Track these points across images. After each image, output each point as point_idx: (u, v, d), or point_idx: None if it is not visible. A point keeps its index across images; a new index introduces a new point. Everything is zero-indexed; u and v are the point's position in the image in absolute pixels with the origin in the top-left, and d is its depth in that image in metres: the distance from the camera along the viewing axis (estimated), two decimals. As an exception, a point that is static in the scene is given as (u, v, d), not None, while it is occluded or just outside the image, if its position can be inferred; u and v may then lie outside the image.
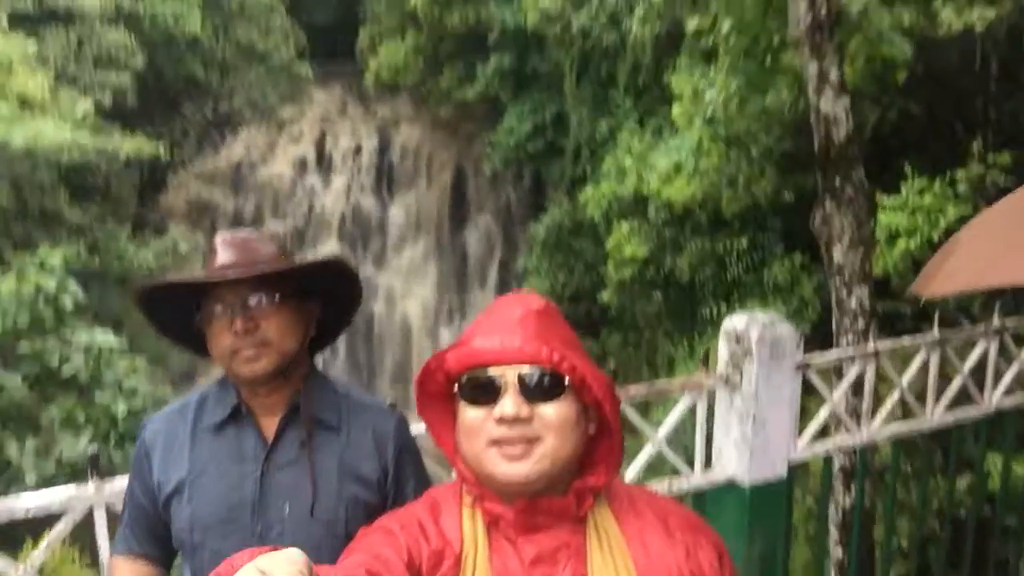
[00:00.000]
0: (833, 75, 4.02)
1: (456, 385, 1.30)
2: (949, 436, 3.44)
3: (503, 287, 17.77)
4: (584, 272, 13.73)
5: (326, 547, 1.64)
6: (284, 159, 19.14)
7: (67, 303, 6.93)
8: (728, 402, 2.95)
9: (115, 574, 1.78)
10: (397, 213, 18.54)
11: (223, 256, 1.69)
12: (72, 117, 11.16)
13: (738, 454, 2.92)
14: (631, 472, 2.80)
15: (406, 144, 18.94)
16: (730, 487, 2.95)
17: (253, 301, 1.64)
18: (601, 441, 1.33)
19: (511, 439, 1.23)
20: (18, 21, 12.53)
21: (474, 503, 1.30)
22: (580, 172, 14.08)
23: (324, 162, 19.09)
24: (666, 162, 9.96)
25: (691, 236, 10.29)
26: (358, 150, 19.11)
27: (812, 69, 4.14)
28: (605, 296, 12.39)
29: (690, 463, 2.96)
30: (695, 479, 2.93)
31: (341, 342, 17.77)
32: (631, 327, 12.85)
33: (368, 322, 17.77)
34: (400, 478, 1.78)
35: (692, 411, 2.90)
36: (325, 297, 1.81)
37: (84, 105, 12.02)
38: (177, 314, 1.71)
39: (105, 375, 6.40)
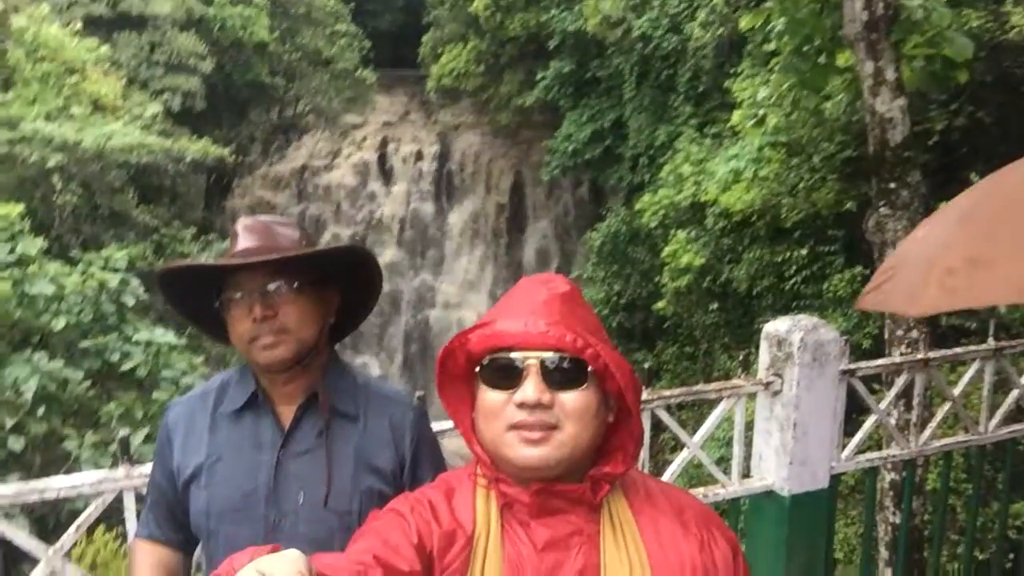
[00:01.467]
0: (889, 74, 3.89)
1: (477, 367, 1.28)
2: (1005, 452, 3.29)
3: (559, 295, 17.75)
4: (640, 281, 13.59)
5: (339, 538, 1.61)
6: (347, 165, 19.46)
7: (129, 301, 7.14)
8: (768, 408, 2.87)
9: (136, 557, 1.80)
10: (455, 220, 18.66)
11: (244, 241, 1.68)
12: (142, 120, 11.54)
13: (778, 462, 2.83)
14: (666, 476, 2.74)
15: (466, 151, 19.07)
16: (769, 497, 2.86)
17: (272, 287, 1.63)
18: (620, 429, 1.30)
19: (530, 424, 1.22)
20: (92, 25, 13.01)
21: (489, 485, 1.30)
22: (638, 179, 13.97)
23: (385, 168, 19.33)
24: (725, 169, 9.80)
25: (749, 246, 10.09)
26: (419, 156, 19.32)
27: (867, 68, 4.01)
28: (661, 306, 12.23)
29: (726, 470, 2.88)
30: (733, 487, 2.85)
31: (397, 347, 17.97)
32: (687, 338, 12.66)
33: (424, 328, 17.90)
34: (417, 470, 1.74)
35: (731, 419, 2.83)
36: (346, 286, 1.81)
37: (154, 108, 12.41)
38: (199, 298, 1.72)
39: (163, 372, 6.57)
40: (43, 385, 5.85)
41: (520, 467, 1.23)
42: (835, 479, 2.92)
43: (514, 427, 1.23)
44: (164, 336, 6.68)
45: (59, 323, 6.18)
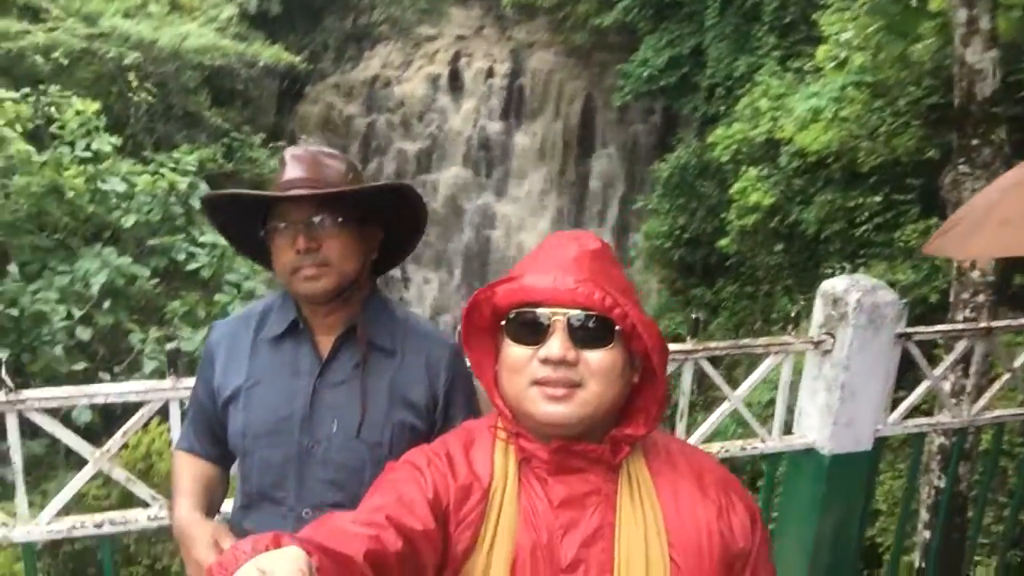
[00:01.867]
0: (983, 23, 3.62)
1: (503, 320, 1.27)
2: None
3: (622, 225, 17.54)
4: (705, 216, 13.31)
5: (370, 468, 1.66)
6: (418, 77, 19.29)
7: (196, 204, 7.29)
8: (817, 367, 2.81)
9: (177, 467, 1.87)
10: (522, 140, 18.45)
11: (292, 171, 1.68)
12: (217, 22, 11.56)
13: (821, 422, 2.79)
14: (704, 427, 2.73)
15: (538, 70, 18.70)
16: (808, 454, 2.83)
17: (316, 220, 1.64)
18: (644, 391, 1.29)
19: (554, 381, 1.20)
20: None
21: (508, 439, 1.29)
22: (713, 111, 13.54)
23: (456, 83, 19.12)
24: (804, 107, 9.42)
25: (822, 188, 9.75)
26: (490, 73, 19.03)
27: (960, 16, 3.73)
28: (725, 243, 12.00)
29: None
30: (772, 443, 2.83)
31: (457, 264, 18.11)
32: (749, 278, 12.44)
33: (485, 248, 17.95)
34: (449, 407, 1.77)
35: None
36: (390, 222, 1.80)
37: (229, 10, 12.41)
38: (246, 224, 1.73)
39: (227, 275, 6.74)
40: (111, 279, 6.06)
41: (542, 423, 1.22)
42: (880, 441, 2.87)
43: (538, 383, 1.21)
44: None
45: (129, 220, 6.35)
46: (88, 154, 6.92)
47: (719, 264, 13.11)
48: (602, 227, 17.83)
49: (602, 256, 1.29)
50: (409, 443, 1.64)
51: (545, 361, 1.21)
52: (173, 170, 7.51)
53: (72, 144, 6.94)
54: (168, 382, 2.15)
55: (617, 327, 1.23)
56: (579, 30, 17.40)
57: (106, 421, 5.16)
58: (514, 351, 1.25)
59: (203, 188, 7.49)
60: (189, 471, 1.84)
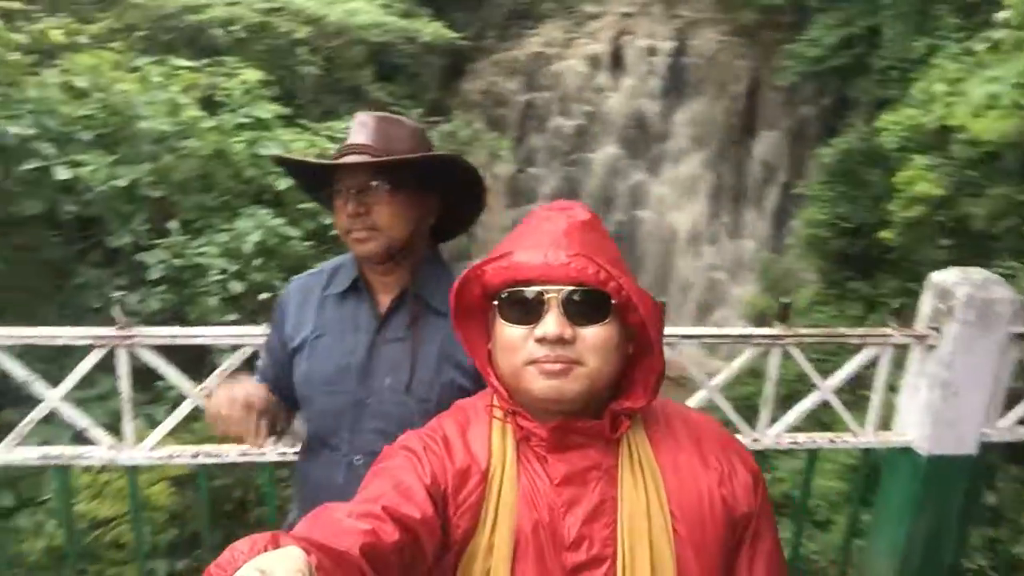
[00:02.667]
0: None
1: (495, 300, 1.25)
2: None
3: (781, 212, 16.86)
4: (868, 206, 12.56)
5: (418, 422, 1.75)
6: (579, 55, 19.23)
7: (347, 170, 7.69)
8: (920, 363, 2.67)
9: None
10: (681, 121, 18.05)
11: (355, 136, 1.79)
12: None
13: (920, 420, 2.65)
14: (790, 416, 2.65)
15: (702, 49, 18.20)
16: (905, 453, 2.70)
17: (368, 186, 1.74)
18: (642, 363, 1.27)
19: (551, 360, 1.19)
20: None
21: (505, 418, 1.28)
22: (884, 95, 12.73)
23: (616, 61, 18.93)
24: (981, 92, 8.71)
25: (996, 181, 9.01)
26: (652, 51, 18.69)
27: None
28: (887, 235, 11.29)
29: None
30: (865, 438, 2.71)
31: (606, 243, 18.01)
32: (910, 273, 11.64)
33: (633, 228, 17.77)
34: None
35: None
36: (451, 190, 1.86)
37: (396, -11, 12.86)
38: (320, 184, 1.85)
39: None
40: (264, 239, 6.49)
41: (540, 400, 1.21)
42: (986, 447, 2.68)
43: (534, 362, 1.20)
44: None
45: (282, 184, 6.76)
46: (249, 121, 7.41)
47: (879, 257, 12.34)
48: (759, 212, 17.22)
49: (593, 227, 1.26)
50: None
51: (541, 340, 1.19)
52: (330, 139, 7.91)
53: (236, 111, 7.45)
54: (261, 328, 2.33)
55: (612, 300, 1.20)
56: (747, 7, 16.79)
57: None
58: (508, 331, 1.22)
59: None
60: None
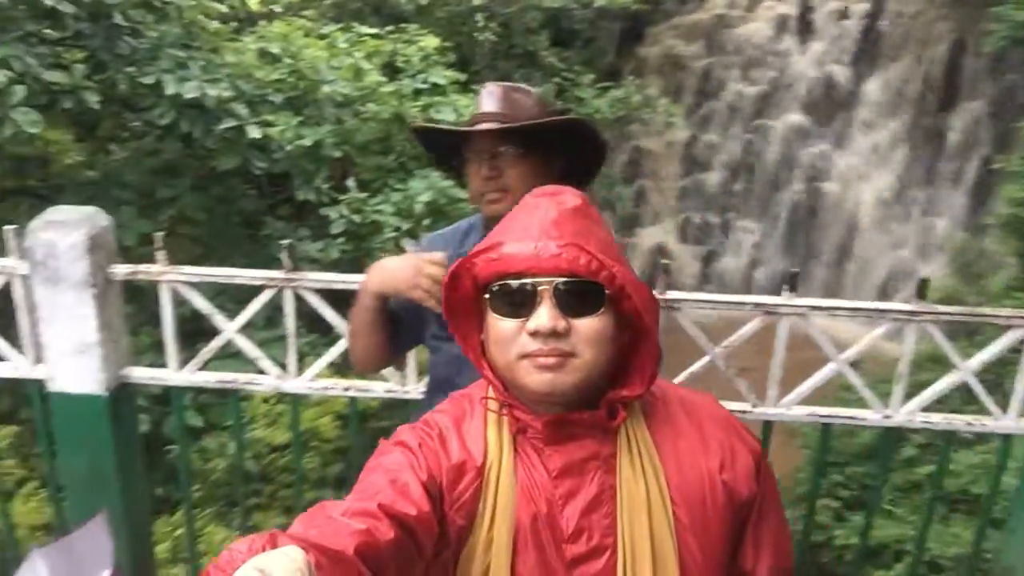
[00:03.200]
0: None
1: (486, 292, 1.21)
2: None
3: (979, 189, 15.56)
4: (1081, 184, 11.40)
5: None
6: (764, 18, 18.47)
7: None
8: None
9: None
10: (872, 89, 16.96)
11: (484, 105, 1.93)
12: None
13: (1068, 408, 2.49)
14: (926, 394, 2.58)
15: (900, 10, 16.97)
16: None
17: (500, 151, 1.87)
18: (638, 350, 1.24)
19: (546, 353, 1.15)
20: None
21: (500, 411, 1.25)
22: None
23: (805, 25, 18.03)
24: None
25: None
26: (844, 14, 17.64)
27: None
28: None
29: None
30: (1006, 421, 2.59)
31: (781, 215, 17.36)
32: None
33: (815, 200, 16.99)
34: None
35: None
36: (574, 151, 1.97)
37: (574, -47, 12.89)
38: (451, 152, 2.01)
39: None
40: (435, 199, 6.83)
41: (534, 394, 1.19)
42: None
43: (528, 356, 1.17)
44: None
45: (454, 147, 7.06)
46: (425, 86, 7.77)
47: (1090, 242, 11.21)
48: (956, 189, 15.98)
49: (584, 214, 1.22)
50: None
51: (534, 334, 1.15)
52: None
53: (414, 76, 7.82)
54: (280, 272, 2.59)
55: (606, 291, 1.17)
56: (954, -35, 15.48)
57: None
58: (500, 324, 1.19)
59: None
60: None
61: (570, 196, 1.23)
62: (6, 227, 2.65)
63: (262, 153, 6.36)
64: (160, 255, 2.61)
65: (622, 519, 1.20)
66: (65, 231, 2.55)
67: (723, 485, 1.27)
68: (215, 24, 6.68)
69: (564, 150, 1.97)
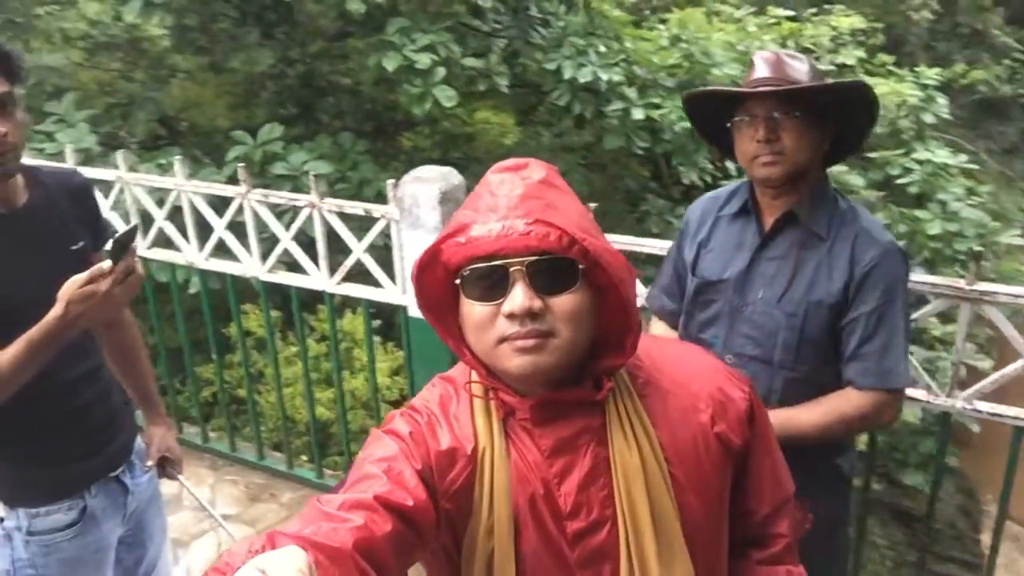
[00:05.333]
0: None
1: (457, 278, 1.17)
2: None
3: None
4: None
5: (783, 333, 1.97)
6: None
7: (928, 118, 7.16)
8: None
9: (652, 330, 2.37)
10: None
11: (759, 71, 1.96)
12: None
13: None
14: (988, 380, 2.37)
15: None
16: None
17: (776, 114, 1.89)
18: (617, 320, 1.19)
19: (524, 335, 1.12)
20: None
21: (486, 396, 1.24)
22: None
23: None
24: None
25: None
26: None
27: None
28: None
29: None
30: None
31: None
32: None
33: None
34: (861, 291, 1.92)
35: None
36: (845, 116, 1.95)
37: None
38: (717, 119, 2.04)
39: (935, 193, 6.53)
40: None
41: (517, 377, 1.16)
42: None
43: (507, 339, 1.13)
44: (941, 156, 6.60)
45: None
46: (832, 68, 7.39)
47: None
48: None
49: (550, 185, 1.16)
50: (823, 320, 1.94)
51: (511, 316, 1.11)
52: (924, 87, 7.44)
53: (818, 58, 7.49)
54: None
55: (580, 266, 1.12)
56: None
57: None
58: (475, 310, 1.15)
59: (941, 103, 7.28)
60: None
61: (534, 168, 1.18)
62: (388, 180, 3.27)
63: (650, 135, 6.64)
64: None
65: (619, 489, 1.19)
66: (426, 185, 3.07)
67: (716, 437, 1.25)
68: (616, 12, 7.09)
69: (838, 117, 1.95)
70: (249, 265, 3.70)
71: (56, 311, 1.68)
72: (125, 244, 1.68)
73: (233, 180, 5.25)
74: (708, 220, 2.15)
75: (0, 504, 1.99)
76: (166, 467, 2.30)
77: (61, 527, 2.01)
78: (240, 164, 3.71)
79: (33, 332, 1.71)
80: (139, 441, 2.26)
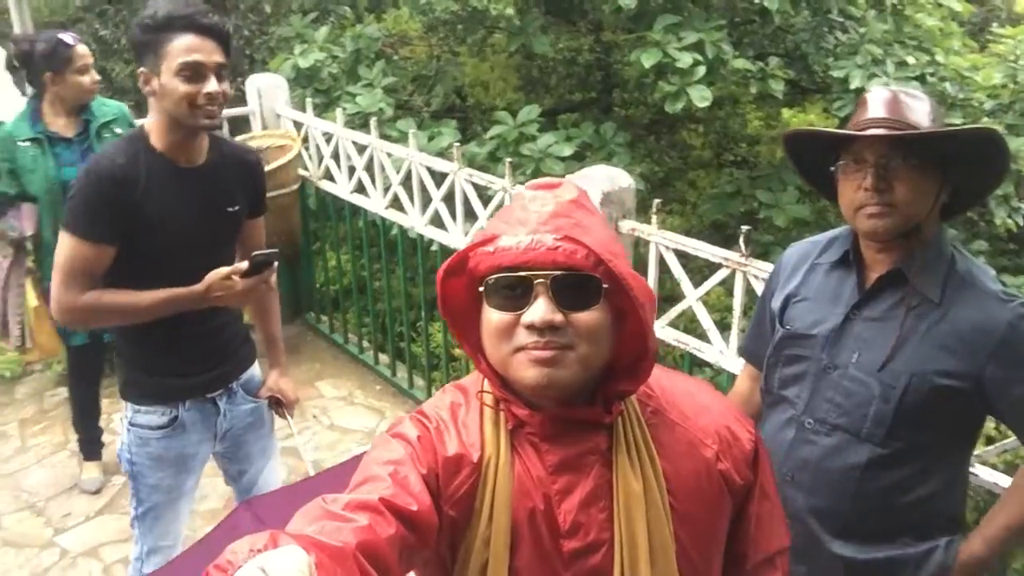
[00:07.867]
0: None
1: (481, 286, 1.18)
2: None
3: None
4: None
5: (876, 404, 1.75)
6: None
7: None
8: None
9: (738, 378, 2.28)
10: None
11: (871, 111, 1.74)
12: None
13: None
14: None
15: None
16: None
17: (888, 161, 1.67)
18: (633, 344, 1.19)
19: (541, 346, 1.13)
20: None
21: (496, 406, 1.24)
22: None
23: None
24: None
25: None
26: None
27: None
28: None
29: None
30: None
31: None
32: None
33: None
34: (999, 378, 1.68)
35: None
36: (970, 165, 1.71)
37: None
38: (821, 160, 1.82)
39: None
40: None
41: (530, 388, 1.16)
42: None
43: (523, 349, 1.14)
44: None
45: None
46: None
47: None
48: None
49: (581, 206, 1.17)
50: (926, 396, 1.70)
51: (530, 327, 1.13)
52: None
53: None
54: (737, 254, 2.72)
55: (604, 285, 1.14)
56: None
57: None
58: (496, 317, 1.16)
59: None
60: (746, 374, 2.19)
61: (567, 188, 1.20)
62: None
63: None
64: (655, 217, 3.05)
65: (619, 514, 1.19)
66: (591, 184, 3.17)
67: (720, 475, 1.26)
68: (931, 21, 6.32)
69: (961, 165, 1.71)
70: (454, 236, 4.05)
71: (199, 288, 2.19)
72: (262, 263, 2.22)
73: (495, 157, 5.64)
74: (803, 267, 1.94)
75: None
76: (275, 406, 2.60)
77: (154, 427, 2.35)
78: (456, 144, 4.04)
79: (178, 292, 2.19)
80: (260, 377, 2.63)
